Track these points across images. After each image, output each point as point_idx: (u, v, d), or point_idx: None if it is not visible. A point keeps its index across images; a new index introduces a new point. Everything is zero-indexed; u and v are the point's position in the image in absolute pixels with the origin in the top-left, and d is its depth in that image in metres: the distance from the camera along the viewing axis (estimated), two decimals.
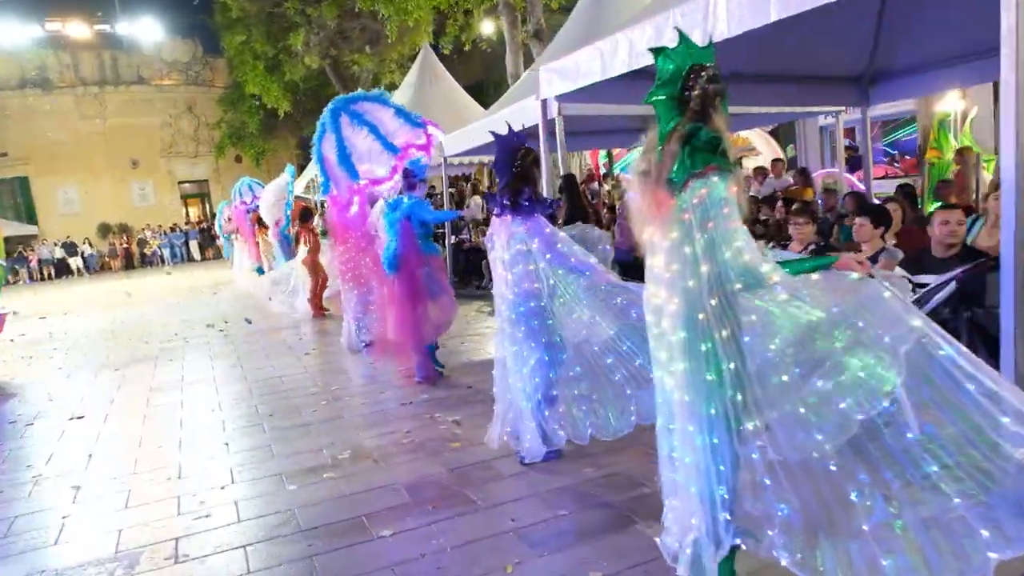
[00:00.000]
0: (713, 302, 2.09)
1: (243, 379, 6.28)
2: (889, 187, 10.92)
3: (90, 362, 7.86)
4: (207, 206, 33.05)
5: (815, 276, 2.15)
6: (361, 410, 5.02)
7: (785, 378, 2.08)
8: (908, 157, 16.92)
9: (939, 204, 7.06)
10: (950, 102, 11.51)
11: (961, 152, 8.76)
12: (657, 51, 2.14)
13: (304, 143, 30.24)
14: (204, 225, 30.03)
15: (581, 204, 6.37)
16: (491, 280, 9.76)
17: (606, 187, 13.34)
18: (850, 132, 20.74)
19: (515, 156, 3.62)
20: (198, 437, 4.73)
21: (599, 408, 3.47)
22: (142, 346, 8.56)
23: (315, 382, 5.96)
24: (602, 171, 15.17)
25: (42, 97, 28.34)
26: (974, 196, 8.32)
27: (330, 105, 5.76)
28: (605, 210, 8.97)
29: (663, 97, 2.12)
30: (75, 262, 27.14)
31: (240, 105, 27.90)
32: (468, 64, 21.54)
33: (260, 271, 16.04)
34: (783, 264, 2.18)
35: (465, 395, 5.16)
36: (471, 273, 11.13)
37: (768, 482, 1.98)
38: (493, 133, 3.71)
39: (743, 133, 16.23)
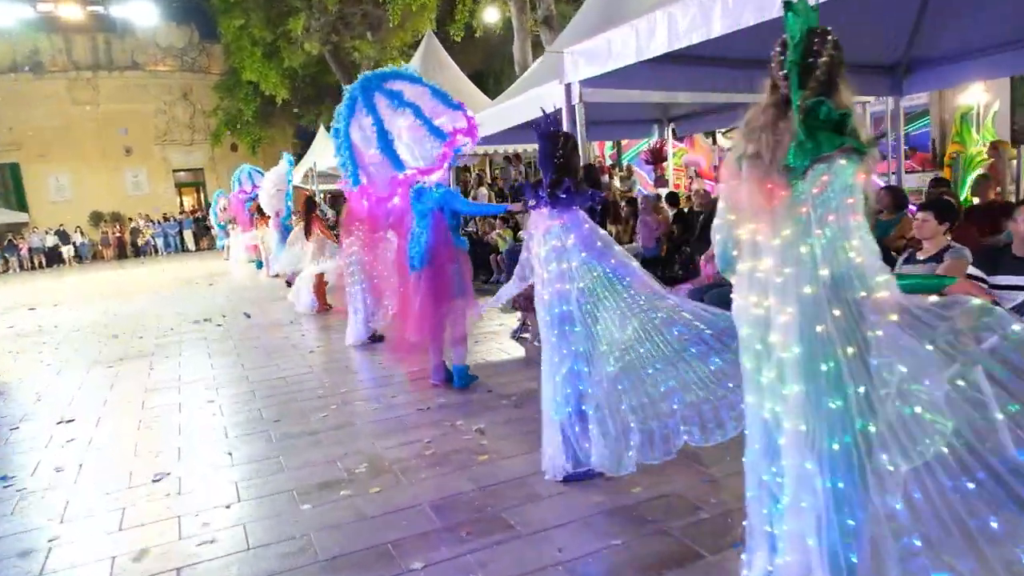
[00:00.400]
0: (836, 312, 1.73)
1: (244, 379, 5.90)
2: (913, 182, 10.61)
3: (81, 358, 7.45)
4: (202, 195, 32.55)
5: (931, 299, 1.78)
6: (375, 416, 4.64)
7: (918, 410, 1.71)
8: (919, 152, 16.58)
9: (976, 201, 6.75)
10: (973, 95, 11.16)
11: (995, 146, 8.41)
12: (787, 6, 1.77)
13: (302, 132, 29.87)
14: (199, 214, 29.51)
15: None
16: (500, 275, 9.36)
17: (615, 180, 12.91)
18: None
19: (556, 145, 3.26)
20: (198, 445, 4.35)
21: (640, 429, 3.12)
22: (136, 341, 8.16)
23: (322, 383, 5.58)
24: (608, 162, 14.72)
25: (33, 81, 27.73)
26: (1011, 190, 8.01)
27: (359, 83, 5.04)
28: (624, 204, 8.59)
29: (793, 61, 1.74)
30: (67, 251, 26.62)
31: (237, 92, 27.36)
32: (468, 53, 21.04)
33: (259, 265, 15.63)
34: (898, 277, 1.82)
35: (486, 400, 4.79)
36: (478, 267, 10.73)
37: (919, 544, 1.59)
38: (535, 123, 3.33)
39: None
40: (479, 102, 16.43)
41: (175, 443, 4.41)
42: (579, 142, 6.18)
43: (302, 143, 27.52)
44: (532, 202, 3.31)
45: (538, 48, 14.83)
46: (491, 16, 19.35)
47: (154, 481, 3.79)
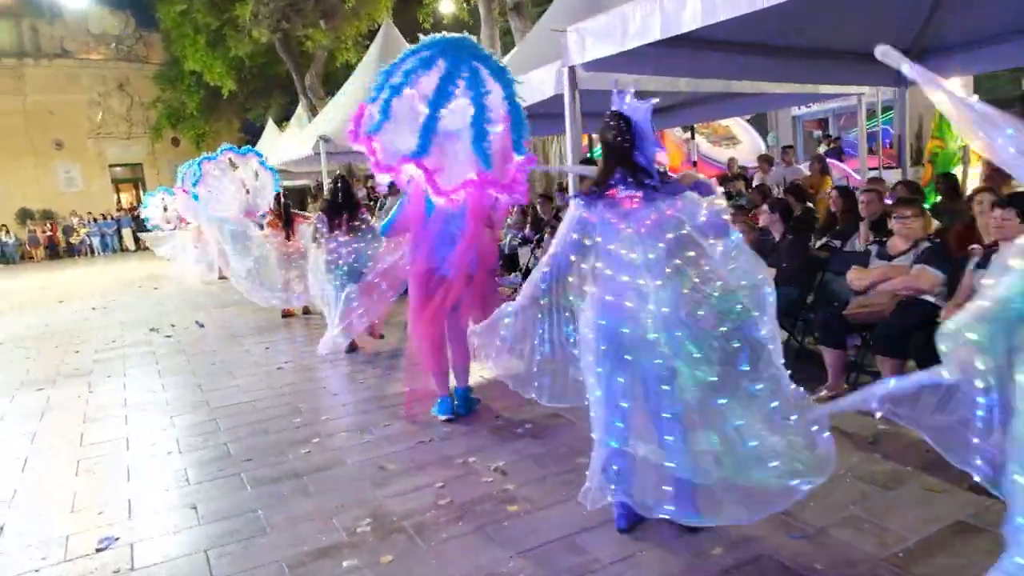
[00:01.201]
0: None
1: (203, 404, 5.07)
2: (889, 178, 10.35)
3: (5, 379, 6.45)
4: (141, 192, 30.77)
5: None
6: (368, 452, 3.92)
7: None
8: (886, 147, 16.55)
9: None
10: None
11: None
12: None
13: (248, 126, 28.43)
14: (138, 212, 27.83)
15: None
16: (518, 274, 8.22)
17: None
18: (822, 123, 20.53)
19: (626, 124, 2.64)
20: (154, 496, 3.55)
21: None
22: (72, 357, 7.17)
23: (297, 409, 4.81)
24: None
25: None
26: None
27: (447, 41, 3.76)
28: None
29: None
30: None
31: (178, 83, 25.84)
32: None
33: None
34: None
35: (497, 429, 4.12)
36: None
37: None
38: (613, 113, 2.68)
39: (724, 121, 15.59)
40: None
41: (124, 492, 3.61)
42: (570, 134, 5.67)
43: (248, 138, 26.19)
44: (625, 191, 2.62)
45: (507, 36, 14.18)
46: (447, 7, 18.62)
47: (98, 550, 3.00)
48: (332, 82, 20.85)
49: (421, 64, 3.72)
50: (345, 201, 5.89)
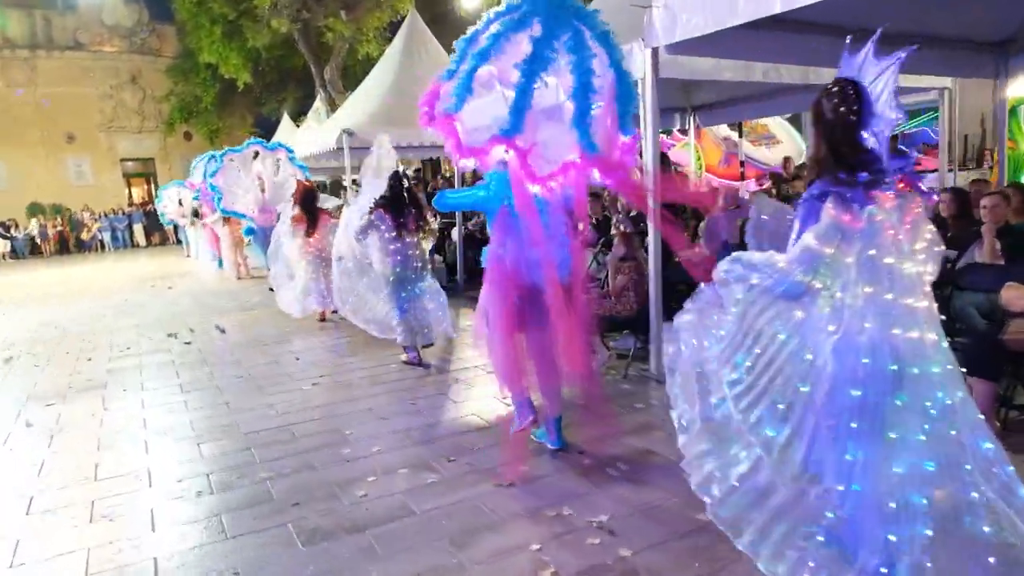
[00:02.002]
0: None
1: (234, 428, 4.45)
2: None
3: (9, 391, 5.85)
4: (153, 186, 30.33)
5: None
6: (436, 497, 3.28)
7: None
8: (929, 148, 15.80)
9: None
10: (1021, 87, 10.29)
11: None
12: None
13: (262, 121, 27.82)
14: (151, 207, 27.31)
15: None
16: None
17: None
18: None
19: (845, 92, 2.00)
20: (184, 555, 2.92)
21: None
22: (84, 366, 6.56)
23: (343, 436, 4.18)
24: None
25: None
26: None
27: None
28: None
29: None
30: (2, 246, 24.19)
31: (192, 76, 25.30)
32: (455, 34, 19.64)
33: (220, 263, 14.04)
34: None
35: (588, 472, 3.46)
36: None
37: None
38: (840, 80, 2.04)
39: (763, 120, 14.89)
40: None
41: (148, 549, 2.98)
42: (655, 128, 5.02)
43: (262, 133, 25.62)
44: (889, 183, 2.02)
45: None
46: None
47: None
48: (351, 77, 20.25)
49: (512, 26, 3.07)
50: (411, 199, 5.31)
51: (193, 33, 22.12)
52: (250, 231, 10.18)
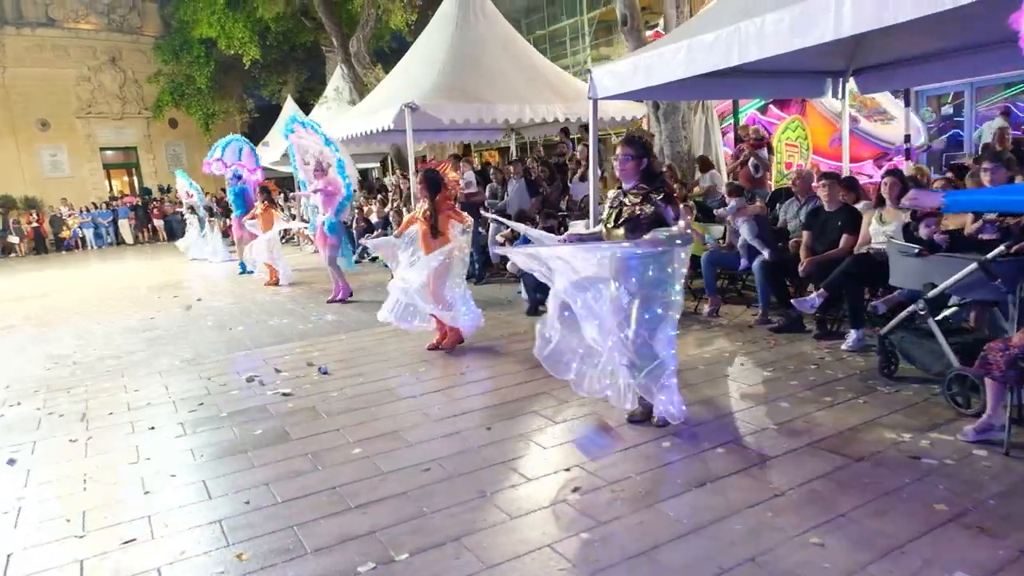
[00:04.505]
0: None
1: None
2: None
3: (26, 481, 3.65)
4: (135, 178, 27.70)
5: None
6: None
7: None
8: None
9: None
10: None
11: None
12: None
13: (263, 104, 25.24)
14: (137, 202, 24.68)
15: None
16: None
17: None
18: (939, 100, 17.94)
19: None
20: None
21: None
22: (145, 440, 4.34)
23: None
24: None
25: None
26: None
27: None
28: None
29: None
30: None
31: (184, 55, 22.72)
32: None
33: (244, 268, 11.83)
34: None
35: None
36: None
37: None
38: None
39: (876, 96, 13.03)
40: (537, 61, 13.10)
41: None
42: None
43: (261, 122, 23.15)
44: None
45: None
46: None
47: None
48: (375, 51, 17.97)
49: None
50: None
51: (188, 4, 19.60)
52: (332, 227, 7.95)
